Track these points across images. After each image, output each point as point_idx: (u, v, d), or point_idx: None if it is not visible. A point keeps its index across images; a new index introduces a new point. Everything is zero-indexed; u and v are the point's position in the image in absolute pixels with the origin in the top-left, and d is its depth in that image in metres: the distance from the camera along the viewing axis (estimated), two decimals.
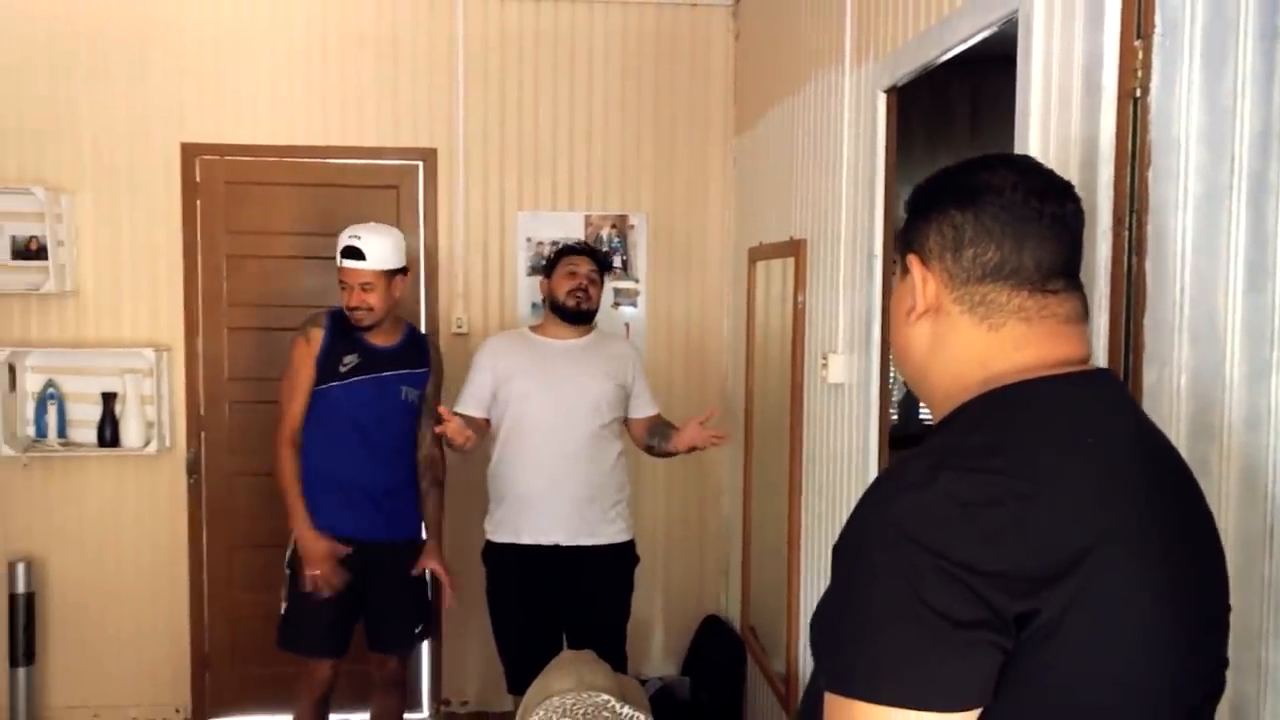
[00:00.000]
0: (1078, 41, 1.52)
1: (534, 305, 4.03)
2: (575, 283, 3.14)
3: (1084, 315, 1.06)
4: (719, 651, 3.90)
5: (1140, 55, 1.42)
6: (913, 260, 1.09)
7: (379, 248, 3.03)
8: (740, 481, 3.82)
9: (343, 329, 3.05)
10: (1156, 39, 1.40)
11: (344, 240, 3.02)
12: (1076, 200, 1.06)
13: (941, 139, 4.46)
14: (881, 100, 2.38)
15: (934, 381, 1.09)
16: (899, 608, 0.87)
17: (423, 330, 3.87)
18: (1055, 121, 1.58)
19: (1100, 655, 0.90)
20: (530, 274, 4.01)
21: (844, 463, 2.63)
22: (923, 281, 1.08)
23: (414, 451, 3.20)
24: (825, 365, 2.66)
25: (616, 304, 4.05)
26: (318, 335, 3.02)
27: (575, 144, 4.02)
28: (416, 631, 3.26)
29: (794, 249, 3.05)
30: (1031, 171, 1.07)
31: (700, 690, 3.87)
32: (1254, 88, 1.37)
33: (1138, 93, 1.42)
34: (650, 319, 4.08)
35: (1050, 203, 1.04)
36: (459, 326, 3.99)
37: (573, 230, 4.02)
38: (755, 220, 3.66)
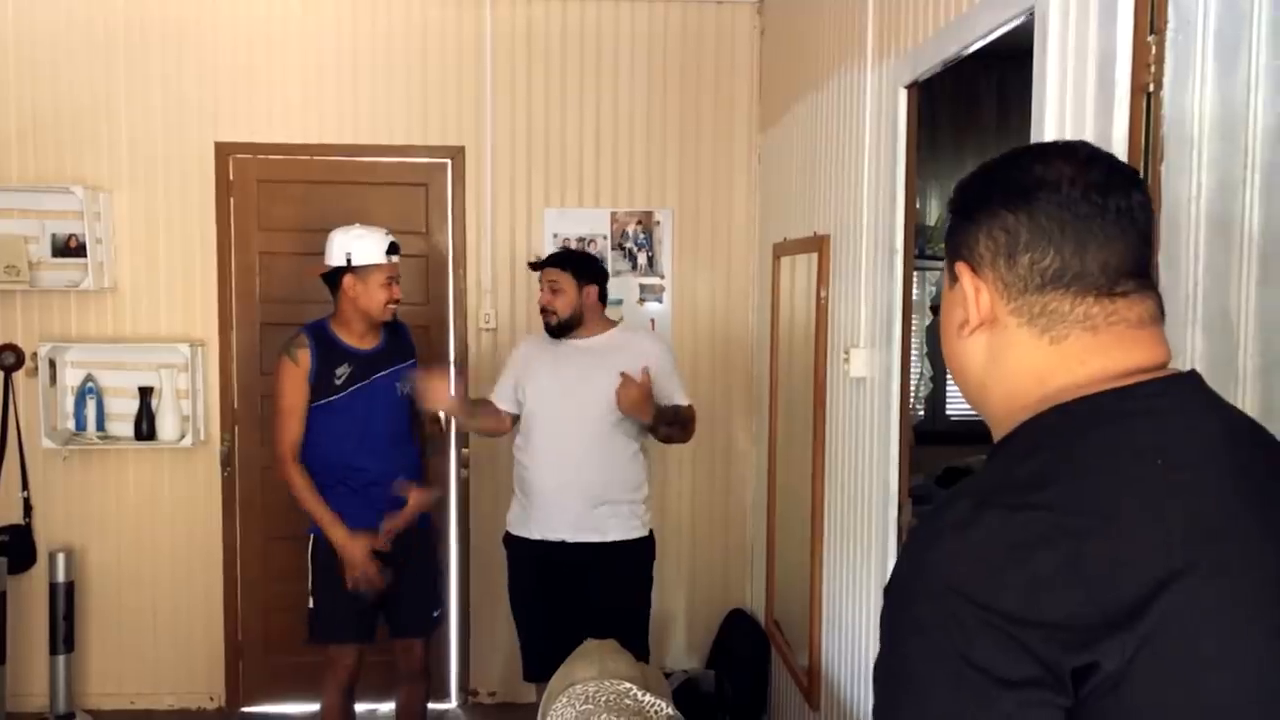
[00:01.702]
0: (1091, 37, 1.54)
1: None
2: (541, 299, 3.17)
3: (1159, 316, 0.94)
4: (744, 645, 3.93)
5: (1154, 50, 1.43)
6: (962, 269, 0.97)
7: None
8: (765, 475, 3.85)
9: (326, 343, 3.09)
10: (1170, 34, 1.41)
11: (382, 238, 3.08)
12: (1144, 190, 0.95)
13: (969, 133, 4.46)
14: (902, 96, 2.39)
15: (992, 401, 0.98)
16: (942, 667, 0.80)
17: (450, 326, 3.93)
18: (1070, 117, 1.59)
19: (1178, 710, 0.80)
20: None
21: (865, 457, 2.64)
22: (975, 292, 0.96)
23: (418, 437, 3.29)
24: (848, 360, 2.68)
25: (642, 299, 4.09)
26: (305, 356, 3.04)
27: (602, 141, 4.06)
28: (435, 615, 3.34)
29: (818, 244, 3.07)
30: (1092, 161, 0.94)
31: (725, 684, 3.89)
32: (1267, 81, 1.38)
33: (1151, 88, 1.43)
34: (676, 314, 4.10)
35: (1115, 196, 0.92)
36: (486, 322, 4.04)
37: (599, 227, 4.06)
38: (780, 216, 3.68)
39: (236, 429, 4.01)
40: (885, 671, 0.86)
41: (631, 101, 4.06)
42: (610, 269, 4.03)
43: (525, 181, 4.05)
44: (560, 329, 3.15)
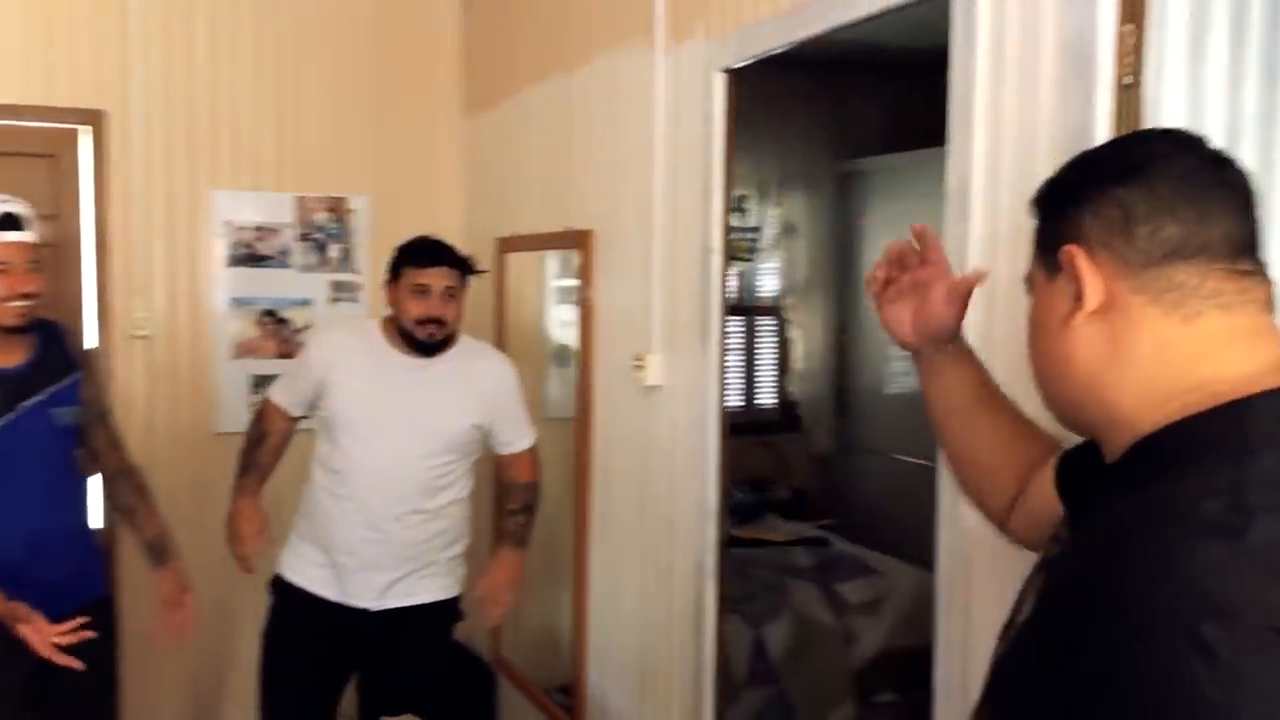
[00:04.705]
0: (1048, 27, 1.45)
1: (235, 300, 3.45)
2: (425, 309, 2.46)
3: (1275, 303, 0.90)
4: (465, 681, 3.57)
5: (1131, 41, 1.37)
6: (1074, 252, 0.90)
7: (31, 214, 2.25)
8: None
9: None
10: (1148, 25, 1.36)
11: None
12: (1247, 171, 0.92)
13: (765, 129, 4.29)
14: (719, 81, 2.22)
15: (1113, 398, 0.90)
16: (1249, 700, 0.68)
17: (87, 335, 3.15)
18: (1015, 107, 1.50)
19: None
20: (231, 264, 3.41)
21: (664, 471, 2.44)
22: (1091, 273, 0.89)
23: (83, 483, 2.45)
24: (641, 366, 2.46)
25: (335, 299, 3.57)
26: None
27: (284, 115, 3.48)
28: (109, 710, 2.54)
29: (578, 241, 2.82)
30: (1193, 140, 0.92)
31: None
32: (1228, 74, 1.37)
33: (1128, 80, 1.37)
34: (374, 317, 3.62)
35: (1228, 170, 0.90)
36: (139, 328, 3.30)
37: (281, 214, 3.49)
38: (508, 208, 3.36)
39: None
40: (1161, 710, 0.70)
41: (319, 73, 3.52)
42: (296, 263, 3.50)
43: (188, 158, 3.36)
44: (441, 346, 2.55)
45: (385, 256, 3.56)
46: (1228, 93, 1.38)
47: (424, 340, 2.49)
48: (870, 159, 4.47)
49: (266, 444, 2.63)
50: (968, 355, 1.30)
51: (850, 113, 4.48)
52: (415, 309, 2.48)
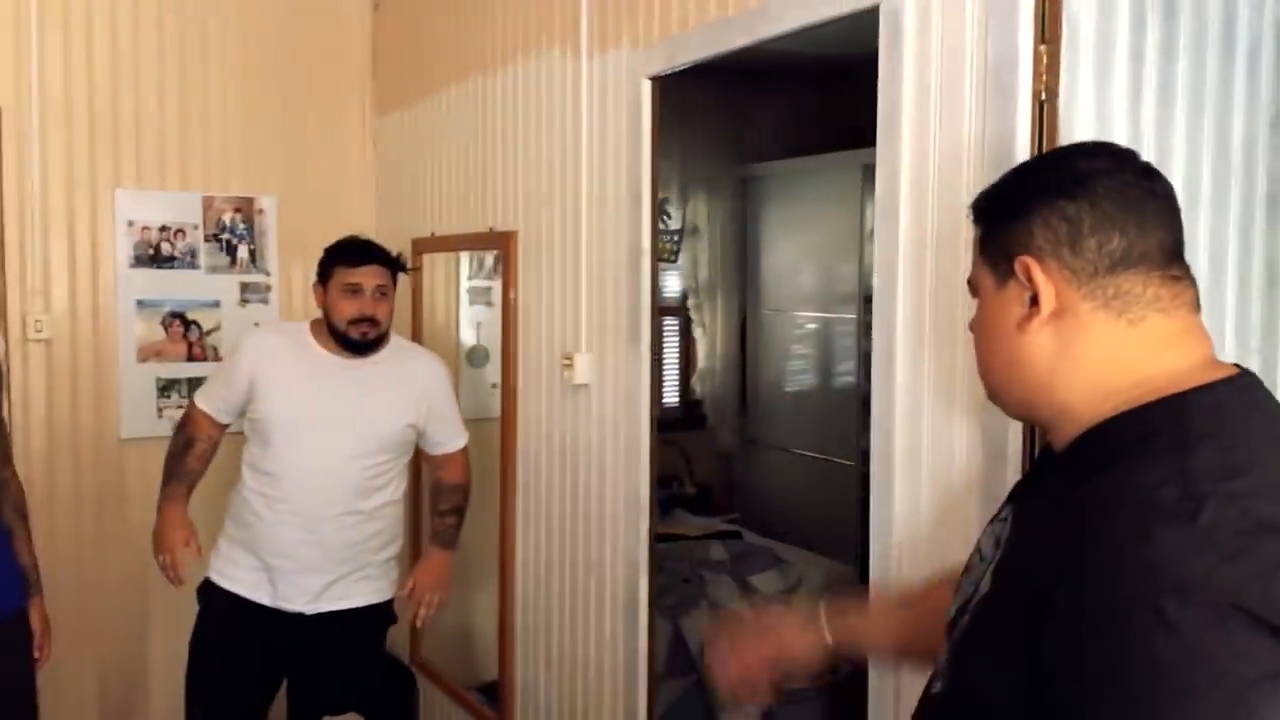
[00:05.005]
0: (970, 42, 1.56)
1: (139, 302, 3.36)
2: (358, 309, 2.47)
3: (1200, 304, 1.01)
4: (386, 684, 3.55)
5: (1045, 60, 1.49)
6: (1028, 263, 0.99)
7: None
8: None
9: None
10: (1063, 44, 1.48)
11: None
12: (1170, 184, 1.02)
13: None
14: (646, 87, 2.28)
15: (1063, 396, 0.99)
16: (1201, 665, 0.78)
17: None
18: (941, 119, 1.61)
19: None
20: (135, 264, 3.33)
21: (595, 468, 2.50)
22: (1045, 282, 0.98)
23: None
24: (569, 366, 2.51)
25: (245, 300, 3.51)
26: None
27: (190, 112, 3.41)
28: None
29: (499, 241, 2.85)
30: (1125, 154, 1.02)
31: None
32: (1131, 90, 1.51)
33: (1044, 95, 1.49)
34: (284, 318, 3.58)
35: (1157, 181, 1.00)
36: (38, 330, 3.19)
37: (188, 214, 3.41)
38: (422, 209, 3.37)
39: None
40: (1126, 678, 0.80)
41: (225, 70, 3.46)
42: (204, 264, 3.44)
43: (88, 154, 3.26)
44: (374, 346, 2.54)
45: (294, 257, 3.56)
46: (1129, 105, 1.52)
47: (357, 340, 2.50)
48: (768, 164, 4.60)
49: (194, 450, 2.58)
50: (855, 614, 1.43)
51: (749, 119, 4.61)
52: (348, 309, 2.48)
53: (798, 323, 4.53)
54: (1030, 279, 0.99)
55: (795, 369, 4.71)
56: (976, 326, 1.10)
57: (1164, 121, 1.56)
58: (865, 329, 4.35)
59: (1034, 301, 1.00)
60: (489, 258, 3.65)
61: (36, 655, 2.35)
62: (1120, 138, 1.49)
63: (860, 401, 4.33)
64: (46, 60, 3.17)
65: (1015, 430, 1.48)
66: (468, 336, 3.55)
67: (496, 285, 3.73)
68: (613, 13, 2.39)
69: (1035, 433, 1.46)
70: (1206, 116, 1.60)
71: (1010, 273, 1.01)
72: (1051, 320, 0.98)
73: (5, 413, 2.43)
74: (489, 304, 3.77)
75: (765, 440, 4.85)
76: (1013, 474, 1.48)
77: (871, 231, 4.28)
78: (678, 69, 2.21)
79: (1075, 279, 0.97)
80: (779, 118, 4.55)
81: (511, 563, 2.88)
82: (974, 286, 1.10)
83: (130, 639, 3.31)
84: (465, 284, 3.67)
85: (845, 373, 4.41)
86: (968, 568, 1.14)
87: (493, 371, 3.10)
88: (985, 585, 1.02)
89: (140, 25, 3.31)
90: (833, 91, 4.08)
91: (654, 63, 2.25)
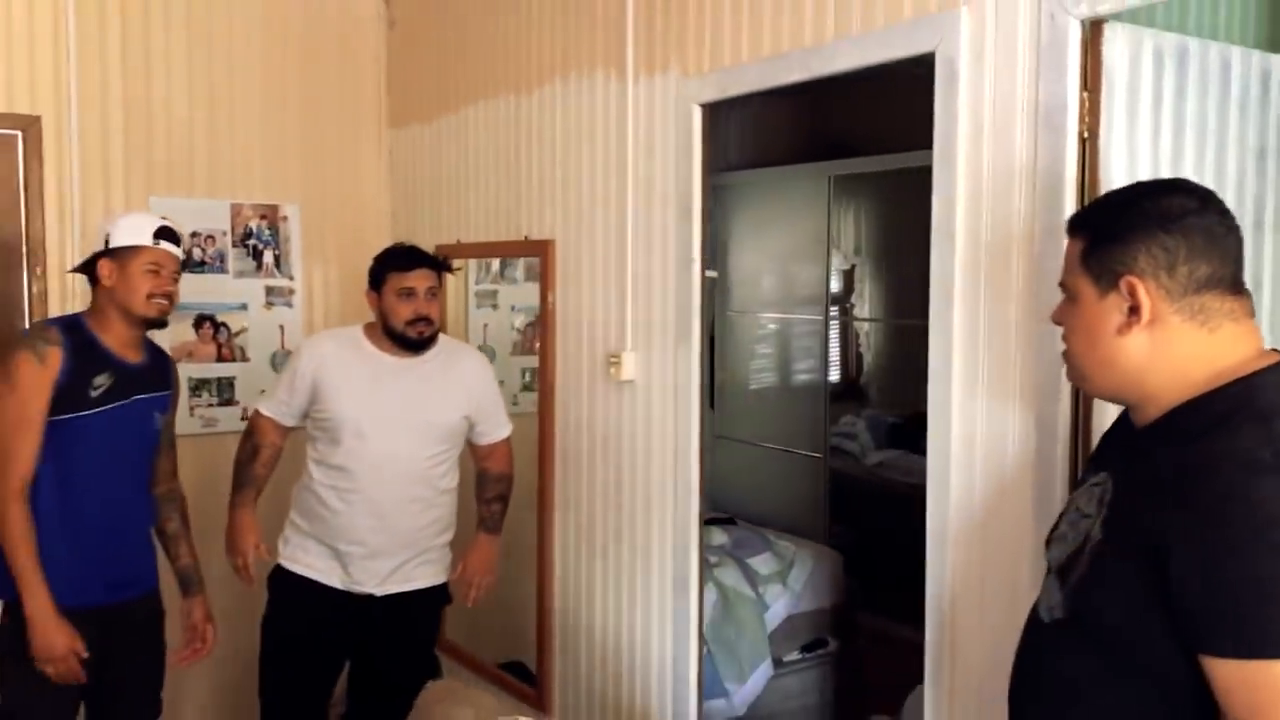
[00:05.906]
0: (1022, 88, 1.84)
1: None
2: (413, 310, 2.67)
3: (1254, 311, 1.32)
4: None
5: (1088, 104, 1.78)
6: (1133, 283, 1.27)
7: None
8: None
9: (84, 345, 2.40)
10: (1102, 91, 1.78)
11: (152, 220, 2.51)
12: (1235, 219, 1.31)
13: None
14: (697, 114, 2.53)
15: (1152, 384, 1.29)
16: None
17: None
18: (991, 152, 1.89)
19: None
20: None
21: (642, 461, 2.73)
22: (1147, 298, 1.26)
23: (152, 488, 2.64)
24: (617, 363, 2.74)
25: (270, 304, 3.66)
26: (55, 356, 2.32)
27: (216, 124, 3.55)
28: (159, 705, 2.67)
29: (539, 249, 3.07)
30: (1208, 195, 1.30)
31: None
32: (1152, 133, 1.82)
33: (1085, 134, 1.79)
34: (307, 321, 3.73)
35: (1229, 219, 1.29)
36: None
37: (218, 221, 3.55)
38: (445, 217, 3.56)
39: None
40: (1256, 591, 1.11)
41: (248, 83, 3.60)
42: (232, 269, 3.58)
43: (123, 164, 3.38)
44: (429, 343, 2.73)
45: (315, 262, 3.73)
46: (1151, 141, 1.83)
47: (415, 339, 2.70)
48: (737, 173, 4.83)
49: (260, 457, 2.76)
50: None
51: (719, 130, 4.83)
52: (405, 310, 2.68)
53: (762, 323, 4.77)
54: (1134, 295, 1.27)
55: (760, 367, 4.96)
56: (1071, 324, 1.38)
57: (1176, 154, 1.87)
58: (832, 329, 4.65)
59: (1132, 311, 1.29)
60: (495, 264, 3.87)
61: (200, 645, 2.66)
62: (1144, 169, 1.79)
63: (826, 397, 4.62)
64: (83, 73, 3.28)
65: (1065, 423, 1.77)
66: (476, 338, 3.76)
67: (502, 289, 3.95)
68: (660, 40, 2.63)
69: (1081, 426, 1.75)
70: (1209, 149, 1.92)
71: (1113, 286, 1.29)
72: (1146, 328, 1.27)
73: (174, 430, 2.69)
74: (494, 307, 3.99)
75: (733, 434, 5.09)
76: (1063, 457, 1.76)
77: (837, 237, 4.60)
78: (729, 98, 2.46)
79: (1169, 297, 1.26)
80: (746, 130, 4.78)
81: (549, 546, 3.09)
82: (1069, 290, 1.38)
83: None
84: (473, 288, 3.87)
85: (808, 370, 4.68)
86: (1062, 524, 1.42)
87: (498, 370, 3.29)
88: (1097, 533, 1.30)
89: (171, 42, 3.44)
90: (798, 104, 4.36)
91: (706, 91, 2.50)
